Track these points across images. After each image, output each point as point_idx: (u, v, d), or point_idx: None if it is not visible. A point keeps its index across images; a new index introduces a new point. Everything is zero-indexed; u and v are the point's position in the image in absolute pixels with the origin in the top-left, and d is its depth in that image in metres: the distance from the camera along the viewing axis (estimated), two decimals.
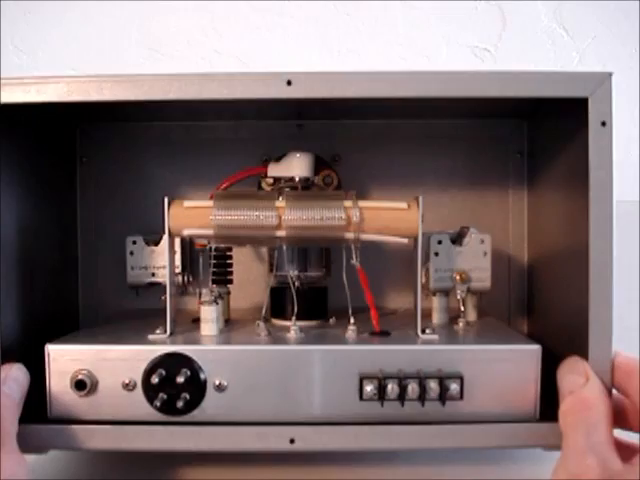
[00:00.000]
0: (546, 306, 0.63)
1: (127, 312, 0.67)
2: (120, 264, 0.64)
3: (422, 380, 0.49)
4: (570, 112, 0.52)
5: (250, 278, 0.69)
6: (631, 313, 0.68)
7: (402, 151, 0.69)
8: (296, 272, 0.60)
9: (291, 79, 0.48)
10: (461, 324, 0.59)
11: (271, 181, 0.63)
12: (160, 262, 0.64)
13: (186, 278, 0.63)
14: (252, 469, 0.62)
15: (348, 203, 0.54)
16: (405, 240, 0.55)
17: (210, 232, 0.54)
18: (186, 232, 0.54)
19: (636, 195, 0.69)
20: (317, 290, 0.62)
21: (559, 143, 0.57)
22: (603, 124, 0.48)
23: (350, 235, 0.54)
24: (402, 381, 0.49)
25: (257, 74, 0.49)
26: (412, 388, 0.49)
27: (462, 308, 0.60)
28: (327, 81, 0.49)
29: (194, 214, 0.54)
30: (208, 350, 0.51)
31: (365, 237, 0.54)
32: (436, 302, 0.62)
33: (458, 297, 0.60)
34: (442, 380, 0.49)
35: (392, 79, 0.48)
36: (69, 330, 0.57)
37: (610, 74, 0.48)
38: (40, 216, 0.60)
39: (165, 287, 0.56)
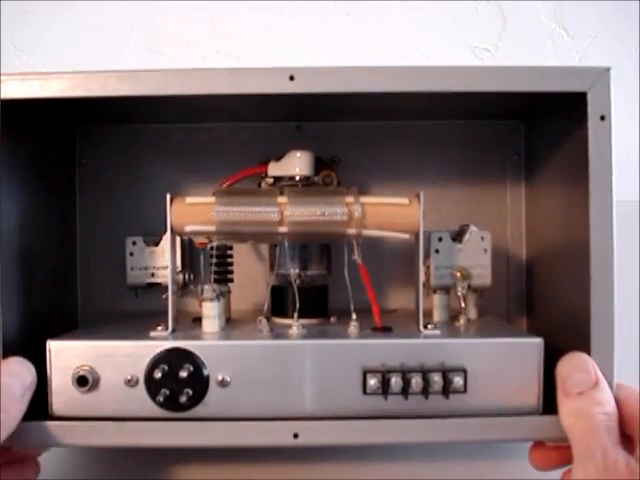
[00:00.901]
0: (546, 304, 0.63)
1: (126, 314, 0.67)
2: (119, 266, 0.64)
3: (425, 373, 0.49)
4: (566, 111, 0.53)
5: (250, 280, 0.68)
6: (631, 313, 0.68)
7: (401, 152, 0.69)
8: (297, 270, 0.60)
9: (294, 74, 0.49)
10: (462, 321, 0.59)
11: (271, 181, 0.63)
12: (160, 262, 0.63)
13: (187, 277, 0.63)
14: (255, 468, 0.61)
15: (350, 199, 0.54)
16: (406, 235, 0.55)
17: (212, 228, 0.53)
18: (188, 228, 0.54)
19: (636, 195, 0.69)
20: (318, 288, 0.62)
21: (556, 142, 0.57)
22: (602, 118, 0.49)
23: (352, 231, 0.54)
24: (405, 375, 0.49)
25: (260, 69, 0.49)
26: (416, 381, 0.49)
27: (463, 304, 0.60)
28: (330, 76, 0.49)
29: (196, 211, 0.54)
30: (211, 345, 0.51)
31: (367, 233, 0.54)
32: (437, 300, 0.62)
33: (459, 294, 0.60)
34: (445, 373, 0.49)
35: (394, 74, 0.49)
36: (68, 331, 0.57)
37: (608, 69, 0.49)
38: (40, 216, 0.60)
39: (165, 287, 0.56)
